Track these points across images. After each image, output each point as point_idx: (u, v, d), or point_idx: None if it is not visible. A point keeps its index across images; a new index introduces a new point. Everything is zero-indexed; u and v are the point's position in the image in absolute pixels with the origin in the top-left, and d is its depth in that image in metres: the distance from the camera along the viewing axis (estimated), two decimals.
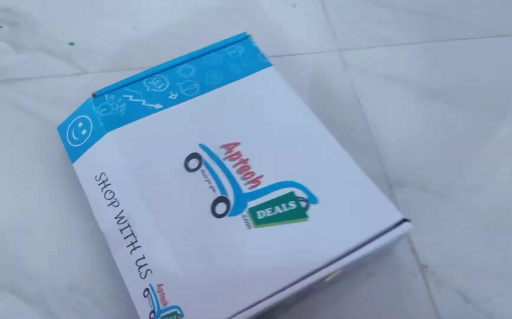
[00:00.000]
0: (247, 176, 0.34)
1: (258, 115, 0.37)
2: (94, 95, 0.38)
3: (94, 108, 0.37)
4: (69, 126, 0.37)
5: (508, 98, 0.46)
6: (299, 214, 0.32)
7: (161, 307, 0.28)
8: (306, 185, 0.33)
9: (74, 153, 0.36)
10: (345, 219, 0.32)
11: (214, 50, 0.42)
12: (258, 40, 0.43)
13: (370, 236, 0.31)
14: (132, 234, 0.31)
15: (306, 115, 0.38)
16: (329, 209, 0.32)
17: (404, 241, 0.36)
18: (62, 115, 0.38)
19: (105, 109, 0.37)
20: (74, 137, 0.36)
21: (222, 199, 0.32)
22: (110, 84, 0.39)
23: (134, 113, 0.37)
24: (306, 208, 0.32)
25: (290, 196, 0.33)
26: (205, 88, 0.39)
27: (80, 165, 0.35)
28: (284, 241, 0.31)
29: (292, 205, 0.32)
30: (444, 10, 0.53)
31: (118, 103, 0.37)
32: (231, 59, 0.41)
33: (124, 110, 0.37)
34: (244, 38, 0.43)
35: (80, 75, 0.45)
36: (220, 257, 0.30)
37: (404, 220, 0.32)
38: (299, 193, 0.33)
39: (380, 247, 0.31)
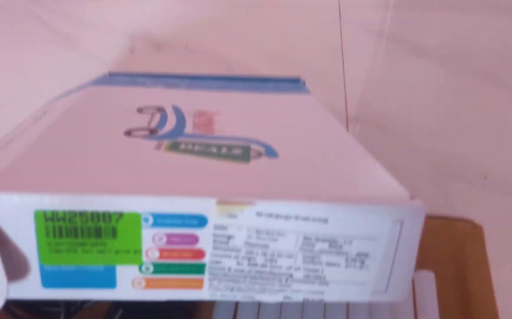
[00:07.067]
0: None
1: None
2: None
3: None
4: None
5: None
6: (242, 156, 0.22)
7: None
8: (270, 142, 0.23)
9: None
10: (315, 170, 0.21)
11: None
12: None
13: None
14: None
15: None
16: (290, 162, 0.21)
17: None
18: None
19: None
20: None
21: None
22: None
23: None
24: (257, 156, 0.22)
25: (243, 147, 0.23)
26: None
27: None
28: (196, 173, 0.20)
29: (237, 151, 0.22)
30: None
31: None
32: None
33: None
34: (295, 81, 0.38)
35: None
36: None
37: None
38: (255, 147, 0.23)
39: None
